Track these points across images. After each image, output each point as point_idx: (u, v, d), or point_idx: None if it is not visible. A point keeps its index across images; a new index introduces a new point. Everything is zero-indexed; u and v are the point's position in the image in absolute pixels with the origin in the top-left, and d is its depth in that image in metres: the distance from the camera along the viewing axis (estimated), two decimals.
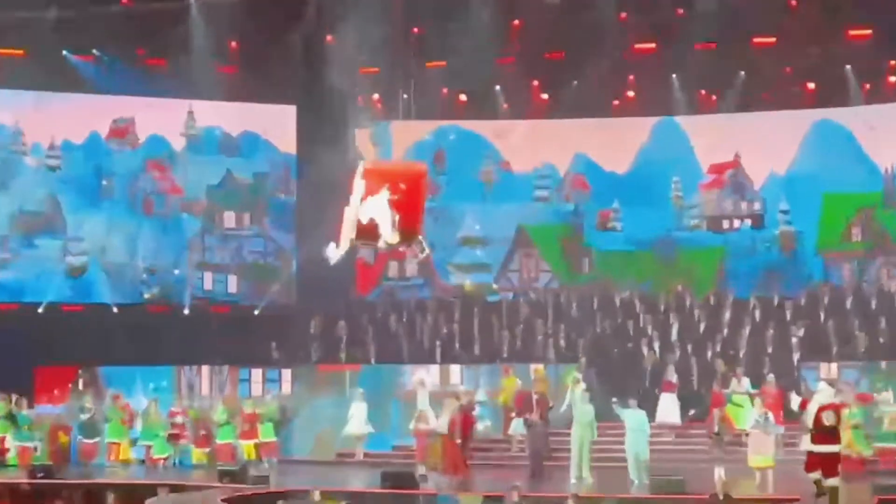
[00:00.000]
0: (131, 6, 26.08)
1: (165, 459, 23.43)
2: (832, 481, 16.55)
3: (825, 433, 16.76)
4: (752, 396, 21.97)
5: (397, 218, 12.90)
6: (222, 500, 18.18)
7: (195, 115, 28.17)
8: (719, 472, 18.22)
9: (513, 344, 25.09)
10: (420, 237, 13.99)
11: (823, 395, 17.47)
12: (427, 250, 16.55)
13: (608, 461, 20.55)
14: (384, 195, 12.80)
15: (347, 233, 13.30)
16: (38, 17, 24.70)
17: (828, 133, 27.29)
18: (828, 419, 16.81)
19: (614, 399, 20.42)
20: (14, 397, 23.62)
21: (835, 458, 16.67)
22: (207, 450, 23.05)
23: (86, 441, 23.74)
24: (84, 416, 23.82)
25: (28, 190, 27.27)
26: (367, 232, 13.03)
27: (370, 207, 12.91)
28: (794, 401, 18.16)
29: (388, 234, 12.86)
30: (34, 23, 24.71)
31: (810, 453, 16.91)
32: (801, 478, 18.68)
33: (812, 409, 17.10)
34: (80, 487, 20.71)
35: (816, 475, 16.63)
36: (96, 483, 21.02)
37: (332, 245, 13.37)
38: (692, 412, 22.74)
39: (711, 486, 17.16)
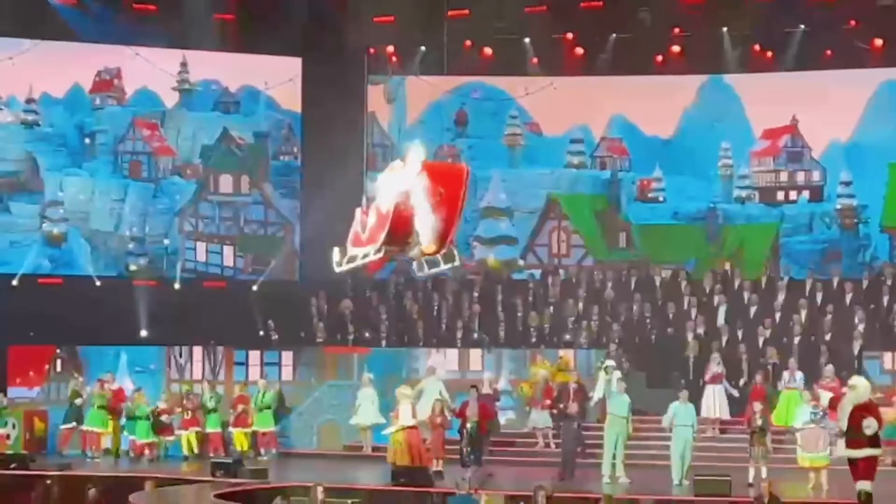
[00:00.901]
0: None
1: (150, 447, 22.92)
2: (865, 485, 16.20)
3: (863, 438, 16.39)
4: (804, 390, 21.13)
5: (439, 225, 12.32)
6: (215, 496, 18.06)
7: (189, 66, 27.57)
8: (761, 472, 18.71)
9: (540, 327, 24.40)
10: (452, 246, 13.31)
11: (858, 391, 16.75)
12: (458, 260, 16.24)
13: (644, 458, 20.51)
14: (427, 197, 12.22)
15: (374, 235, 12.76)
16: None
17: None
18: (869, 428, 16.33)
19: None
20: None
21: (873, 461, 16.42)
22: (196, 430, 22.74)
23: (68, 428, 23.64)
24: (78, 402, 23.52)
25: (2, 147, 26.82)
26: (399, 236, 12.52)
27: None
28: (824, 396, 17.98)
29: (428, 243, 12.24)
30: None
31: (850, 459, 16.59)
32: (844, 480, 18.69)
33: (846, 407, 16.60)
34: (57, 480, 20.76)
35: (865, 485, 16.31)
36: (75, 475, 21.01)
37: (337, 250, 12.69)
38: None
39: (756, 487, 17.61)
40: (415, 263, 17.60)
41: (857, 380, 17.82)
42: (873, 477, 16.60)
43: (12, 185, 27.29)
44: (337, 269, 18.59)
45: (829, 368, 22.09)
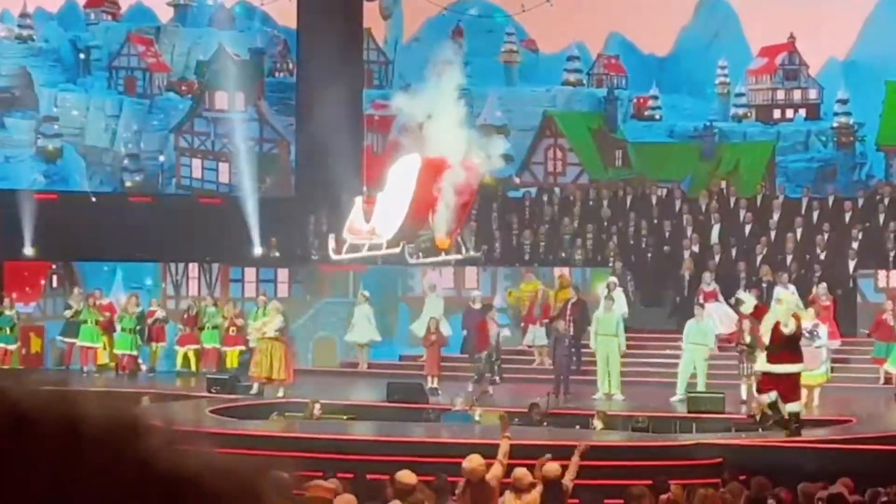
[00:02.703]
0: None
1: (132, 357, 22.99)
2: (793, 406, 16.08)
3: (784, 349, 16.11)
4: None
5: (452, 222, 14.00)
6: (210, 412, 18.03)
7: None
8: (752, 389, 18.12)
9: (536, 245, 24.31)
10: (459, 238, 15.67)
11: (785, 307, 16.62)
12: (469, 250, 16.52)
13: (642, 375, 20.54)
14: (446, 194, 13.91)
15: (385, 226, 14.79)
16: None
17: None
18: (786, 326, 15.98)
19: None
20: None
21: (795, 378, 16.29)
22: (195, 346, 22.78)
23: (67, 341, 23.66)
24: (68, 313, 23.59)
25: None
26: (415, 228, 14.41)
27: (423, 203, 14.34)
28: (748, 303, 17.40)
29: (443, 238, 13.69)
30: None
31: (764, 374, 16.54)
32: (856, 397, 19.59)
33: (768, 323, 16.33)
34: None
35: (769, 397, 16.15)
36: (69, 391, 20.81)
37: (332, 238, 14.14)
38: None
39: (748, 404, 18.03)
40: (408, 250, 17.77)
41: (783, 293, 18.21)
42: (799, 396, 16.58)
43: (6, 101, 27.20)
44: (334, 258, 18.59)
45: (823, 286, 21.94)
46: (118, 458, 1.13)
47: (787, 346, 16.19)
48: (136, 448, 1.13)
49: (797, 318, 16.64)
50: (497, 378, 21.67)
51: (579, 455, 10.94)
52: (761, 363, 16.81)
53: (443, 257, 17.88)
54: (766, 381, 16.26)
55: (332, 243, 16.58)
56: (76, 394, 1.19)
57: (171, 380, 23.02)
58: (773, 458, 15.23)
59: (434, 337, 21.07)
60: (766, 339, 16.36)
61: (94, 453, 1.13)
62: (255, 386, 20.79)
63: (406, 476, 10.00)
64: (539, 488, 10.13)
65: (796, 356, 16.19)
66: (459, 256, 18.24)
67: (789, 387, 16.14)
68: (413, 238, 17.29)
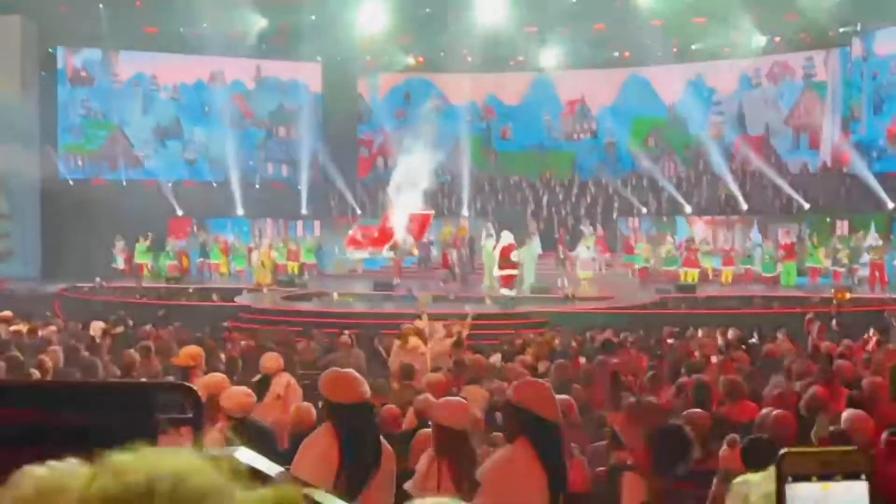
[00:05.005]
0: None
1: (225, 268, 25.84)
2: (508, 291, 19.53)
3: (510, 264, 19.66)
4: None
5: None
6: (282, 298, 21.19)
7: (260, 69, 30.31)
8: (562, 281, 22.16)
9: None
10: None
11: (504, 240, 20.40)
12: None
13: None
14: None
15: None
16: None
17: (636, 85, 28.98)
18: (514, 257, 19.67)
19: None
20: (150, 236, 26.10)
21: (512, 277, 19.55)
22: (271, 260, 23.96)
23: (203, 260, 27.02)
24: (201, 241, 26.67)
25: (161, 112, 29.56)
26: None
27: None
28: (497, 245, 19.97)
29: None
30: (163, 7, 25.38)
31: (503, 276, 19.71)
32: (611, 284, 22.43)
33: (498, 250, 20.30)
34: (196, 289, 23.10)
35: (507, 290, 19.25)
36: (204, 286, 23.88)
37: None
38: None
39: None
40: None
41: (506, 234, 20.52)
42: (513, 287, 19.46)
43: (167, 132, 29.37)
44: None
45: (599, 229, 25.09)
46: None
47: (510, 263, 19.27)
48: None
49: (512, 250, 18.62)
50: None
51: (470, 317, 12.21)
52: (497, 272, 19.54)
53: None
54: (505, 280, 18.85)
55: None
56: None
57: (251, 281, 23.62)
58: (573, 318, 17.28)
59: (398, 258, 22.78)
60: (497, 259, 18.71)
61: None
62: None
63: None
64: (449, 340, 10.98)
65: (514, 266, 18.92)
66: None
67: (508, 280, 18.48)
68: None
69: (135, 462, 0.96)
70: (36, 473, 1.03)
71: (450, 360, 10.03)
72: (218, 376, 6.29)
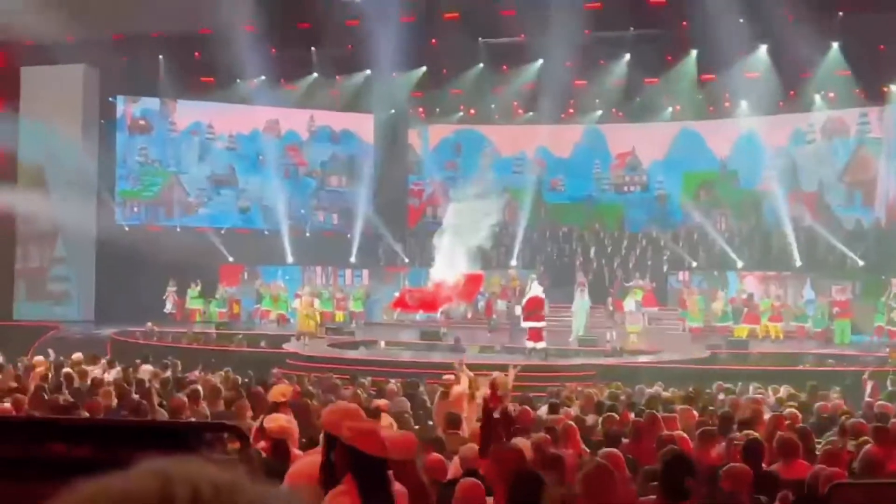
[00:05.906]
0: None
1: (283, 318, 25.69)
2: (541, 344, 19.04)
3: (536, 315, 19.05)
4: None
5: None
6: (329, 346, 21.19)
7: (314, 119, 30.43)
8: (611, 334, 21.94)
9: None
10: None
11: (532, 291, 19.86)
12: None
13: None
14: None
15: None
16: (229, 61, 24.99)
17: (687, 138, 28.69)
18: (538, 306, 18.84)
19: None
20: (199, 283, 26.80)
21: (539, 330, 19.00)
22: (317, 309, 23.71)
23: (257, 307, 27.23)
24: (257, 288, 26.95)
25: (216, 161, 29.77)
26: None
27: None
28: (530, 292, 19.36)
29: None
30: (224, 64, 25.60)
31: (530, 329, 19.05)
32: (660, 338, 21.85)
33: (524, 301, 19.76)
34: (246, 335, 23.02)
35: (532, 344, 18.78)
36: (253, 333, 23.88)
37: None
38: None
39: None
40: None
41: (536, 284, 20.09)
42: (544, 339, 18.93)
43: (222, 181, 29.33)
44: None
45: (647, 280, 24.95)
46: None
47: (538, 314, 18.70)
48: None
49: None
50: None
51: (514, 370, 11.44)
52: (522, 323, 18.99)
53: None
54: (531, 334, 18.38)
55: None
56: None
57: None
58: (622, 371, 17.28)
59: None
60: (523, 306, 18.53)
61: None
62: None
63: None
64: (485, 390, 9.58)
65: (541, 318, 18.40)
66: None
67: (536, 335, 18.16)
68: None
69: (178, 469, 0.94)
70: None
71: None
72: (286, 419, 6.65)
